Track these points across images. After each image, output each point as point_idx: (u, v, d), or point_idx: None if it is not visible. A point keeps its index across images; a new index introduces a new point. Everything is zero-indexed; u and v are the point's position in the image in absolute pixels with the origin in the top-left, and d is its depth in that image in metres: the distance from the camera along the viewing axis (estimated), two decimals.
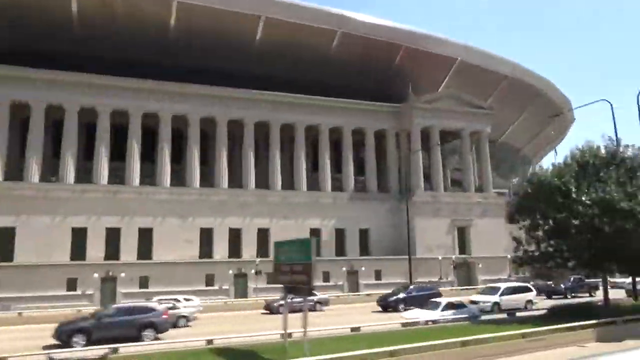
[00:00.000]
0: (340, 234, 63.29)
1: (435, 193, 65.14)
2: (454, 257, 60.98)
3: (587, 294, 49.97)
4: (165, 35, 59.85)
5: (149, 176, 57.89)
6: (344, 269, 59.05)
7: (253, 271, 54.13)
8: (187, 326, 35.27)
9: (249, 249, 58.68)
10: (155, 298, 39.69)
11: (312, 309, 42.56)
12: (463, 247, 65.61)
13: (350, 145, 66.55)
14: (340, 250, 62.89)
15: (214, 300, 51.34)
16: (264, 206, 60.06)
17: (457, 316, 29.90)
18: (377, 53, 70.42)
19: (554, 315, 27.07)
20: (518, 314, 31.61)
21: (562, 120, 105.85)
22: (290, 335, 21.37)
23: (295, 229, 60.71)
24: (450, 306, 31.43)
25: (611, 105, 32.10)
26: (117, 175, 56.70)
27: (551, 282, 51.49)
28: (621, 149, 28.95)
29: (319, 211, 62.38)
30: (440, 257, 61.44)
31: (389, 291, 46.49)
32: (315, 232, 61.92)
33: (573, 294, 49.49)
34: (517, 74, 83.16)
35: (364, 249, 64.15)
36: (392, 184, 67.94)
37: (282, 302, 31.45)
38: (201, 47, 61.58)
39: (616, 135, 30.46)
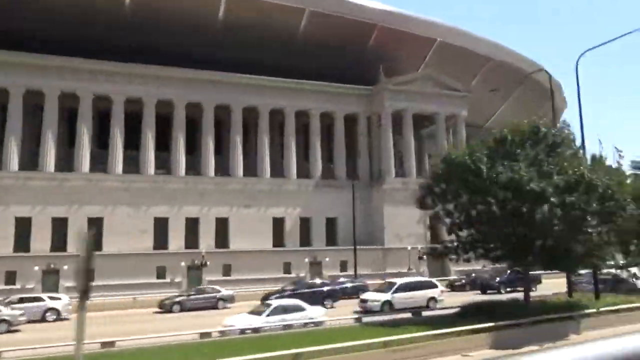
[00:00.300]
0: (305, 224, 60.21)
1: (406, 179, 61.77)
2: (419, 247, 57.77)
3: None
4: (123, 15, 56.33)
5: (101, 162, 54.81)
6: (307, 259, 56.07)
7: (192, 263, 51.42)
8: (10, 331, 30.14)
9: (207, 240, 55.71)
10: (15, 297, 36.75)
11: (214, 306, 39.34)
12: (436, 236, 62.32)
13: (318, 129, 63.23)
14: (305, 240, 59.87)
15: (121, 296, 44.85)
16: (224, 194, 56.96)
17: (290, 322, 24.41)
18: (350, 33, 66.80)
19: (463, 316, 23.66)
20: (425, 313, 27.83)
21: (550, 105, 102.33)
22: (112, 344, 17.89)
23: (257, 218, 57.91)
24: (281, 310, 25.51)
25: (549, 74, 28.95)
26: (66, 162, 53.64)
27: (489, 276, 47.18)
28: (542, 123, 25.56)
29: (283, 199, 59.24)
30: (409, 247, 58.33)
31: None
32: (278, 222, 58.99)
33: (509, 289, 41.98)
34: (501, 56, 79.48)
35: (331, 239, 61.09)
36: (362, 171, 64.70)
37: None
38: (159, 26, 58.05)
39: (553, 107, 27.20)
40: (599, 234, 23.61)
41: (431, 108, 65.85)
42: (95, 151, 55.35)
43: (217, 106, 58.95)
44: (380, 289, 35.61)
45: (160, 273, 51.47)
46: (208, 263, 52.32)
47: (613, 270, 39.28)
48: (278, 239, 58.68)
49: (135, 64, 55.53)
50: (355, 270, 52.75)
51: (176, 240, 54.80)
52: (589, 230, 23.07)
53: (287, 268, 55.30)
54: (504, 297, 32.88)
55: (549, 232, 22.53)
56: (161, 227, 54.67)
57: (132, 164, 55.80)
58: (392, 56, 70.79)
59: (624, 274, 40.54)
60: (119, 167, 54.48)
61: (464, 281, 49.53)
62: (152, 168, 55.71)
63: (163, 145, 58.09)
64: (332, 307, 35.92)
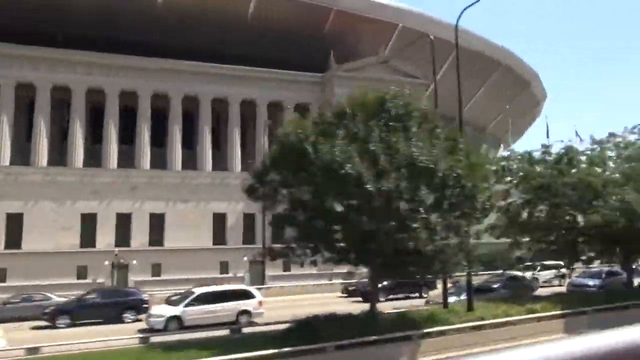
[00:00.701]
0: (249, 220, 56.22)
1: None
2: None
3: (417, 294, 36.55)
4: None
5: (23, 155, 51.03)
6: (246, 258, 52.08)
7: (106, 262, 47.53)
8: None
9: (139, 237, 51.84)
10: None
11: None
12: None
13: (266, 119, 59.30)
14: (250, 237, 55.87)
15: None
16: (160, 189, 53.06)
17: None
18: (303, 18, 63.13)
19: (286, 335, 19.31)
20: (246, 330, 23.03)
21: (530, 96, 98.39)
22: None
23: (196, 213, 54.02)
24: None
25: (431, 40, 25.31)
26: None
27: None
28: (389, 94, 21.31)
29: (225, 194, 55.26)
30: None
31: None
32: (219, 218, 55.06)
33: (392, 296, 35.20)
34: (471, 43, 75.46)
35: (280, 236, 56.96)
36: None
37: None
38: (93, 12, 54.36)
39: (434, 73, 23.31)
40: (443, 233, 19.13)
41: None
42: (20, 143, 51.63)
43: (154, 95, 55.15)
44: (174, 301, 29.31)
45: (82, 273, 47.60)
46: (135, 262, 48.47)
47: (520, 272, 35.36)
48: (219, 236, 54.80)
49: (66, 49, 51.96)
50: (263, 272, 48.31)
51: (105, 237, 50.93)
52: (427, 226, 18.31)
53: (224, 267, 51.40)
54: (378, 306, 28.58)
55: (377, 231, 18.33)
56: (89, 223, 50.86)
57: (58, 156, 52.09)
58: (352, 42, 67.03)
59: (527, 273, 36.28)
60: (43, 159, 50.69)
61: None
62: (79, 161, 51.90)
63: (96, 136, 54.47)
64: (137, 320, 29.42)
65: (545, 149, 33.31)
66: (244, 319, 27.34)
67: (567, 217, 25.71)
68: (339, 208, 17.58)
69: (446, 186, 18.70)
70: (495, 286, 30.44)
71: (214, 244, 53.73)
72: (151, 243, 51.88)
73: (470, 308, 22.61)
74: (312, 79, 61.36)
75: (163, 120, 56.26)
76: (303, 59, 63.22)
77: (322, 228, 19.10)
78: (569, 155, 28.48)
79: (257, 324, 25.88)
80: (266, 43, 61.51)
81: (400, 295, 35.57)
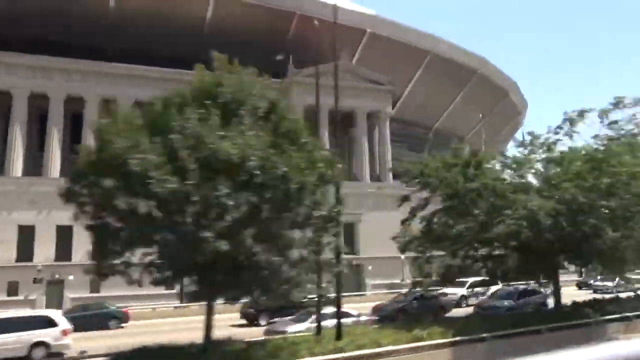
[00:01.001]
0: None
1: None
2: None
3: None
4: None
5: None
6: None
7: (52, 277, 44.50)
8: None
9: (81, 250, 48.76)
10: None
11: None
12: (351, 246, 55.61)
13: None
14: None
15: None
16: None
17: None
18: (265, 23, 60.86)
19: None
20: None
21: (510, 105, 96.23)
22: None
23: None
24: None
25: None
26: None
27: None
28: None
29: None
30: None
31: None
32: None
33: (277, 319, 28.74)
34: (442, 50, 73.45)
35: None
36: None
37: None
38: (34, 13, 51.88)
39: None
40: (262, 245, 15.71)
41: (349, 103, 59.30)
42: None
43: (102, 99, 52.49)
44: None
45: (12, 289, 44.58)
46: (71, 277, 45.49)
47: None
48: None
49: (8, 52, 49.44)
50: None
51: (44, 251, 47.91)
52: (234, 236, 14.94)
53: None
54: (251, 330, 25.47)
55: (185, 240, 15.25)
56: (27, 236, 47.84)
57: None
58: (318, 49, 64.35)
59: (458, 290, 33.45)
60: None
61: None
62: (19, 169, 49.14)
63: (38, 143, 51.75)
64: None
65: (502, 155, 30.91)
66: (39, 352, 22.22)
67: (477, 229, 22.87)
68: (122, 205, 14.62)
69: (266, 187, 15.67)
70: (393, 307, 27.65)
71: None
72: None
73: (338, 336, 19.20)
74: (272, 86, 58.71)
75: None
76: (266, 65, 60.56)
77: (129, 237, 15.91)
78: (477, 158, 25.79)
79: (61, 357, 22.20)
80: (226, 49, 58.64)
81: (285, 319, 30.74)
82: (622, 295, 32.46)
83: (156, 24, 55.93)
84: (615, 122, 24.58)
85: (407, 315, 27.03)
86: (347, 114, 61.64)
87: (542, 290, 28.95)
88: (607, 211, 20.28)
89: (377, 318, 27.17)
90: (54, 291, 45.51)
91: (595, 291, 40.25)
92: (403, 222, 26.19)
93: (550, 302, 26.69)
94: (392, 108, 77.04)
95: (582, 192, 20.64)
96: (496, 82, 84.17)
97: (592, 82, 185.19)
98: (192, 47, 57.29)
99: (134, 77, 53.29)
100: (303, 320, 24.12)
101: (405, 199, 26.09)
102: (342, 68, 60.60)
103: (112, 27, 54.34)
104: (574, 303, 26.09)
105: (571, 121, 24.34)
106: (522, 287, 31.24)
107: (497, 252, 24.38)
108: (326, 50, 64.17)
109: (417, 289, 31.69)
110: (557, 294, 24.72)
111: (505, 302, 28.13)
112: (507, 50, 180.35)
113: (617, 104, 24.50)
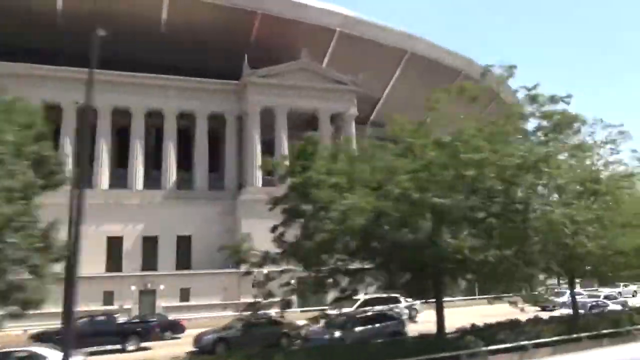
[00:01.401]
0: (150, 243, 50.30)
1: (273, 189, 51.68)
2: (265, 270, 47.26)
3: (120, 346, 28.34)
4: None
5: None
6: (134, 287, 45.91)
7: None
8: None
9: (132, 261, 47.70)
10: None
11: None
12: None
13: (174, 132, 53.73)
14: (151, 263, 49.91)
15: None
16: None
17: None
18: (225, 22, 57.87)
19: None
20: None
21: (505, 106, 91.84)
22: None
23: (88, 236, 48.07)
24: None
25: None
26: None
27: None
28: None
29: (122, 215, 49.48)
30: (265, 271, 47.82)
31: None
32: (115, 242, 49.20)
33: (88, 349, 24.56)
34: (421, 50, 69.67)
35: (186, 262, 51.00)
36: (229, 180, 54.76)
37: None
38: None
39: None
40: None
41: (310, 105, 56.01)
42: None
43: (45, 105, 49.83)
44: None
45: (108, 299, 43.97)
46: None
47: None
48: (115, 262, 48.91)
49: None
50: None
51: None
52: None
53: (108, 299, 45.24)
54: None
55: None
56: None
57: None
58: (282, 49, 61.56)
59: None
60: None
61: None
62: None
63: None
64: None
65: None
66: None
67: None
68: None
69: None
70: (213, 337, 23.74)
71: (108, 270, 47.90)
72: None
73: None
74: (226, 87, 55.75)
75: (55, 134, 50.90)
76: (229, 68, 57.91)
77: None
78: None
79: None
80: (185, 50, 56.32)
81: (94, 348, 26.05)
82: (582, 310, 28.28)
83: (109, 25, 53.35)
84: None
85: (233, 345, 23.00)
86: (311, 116, 58.34)
87: (399, 315, 24.41)
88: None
89: (196, 350, 23.60)
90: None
91: (544, 309, 34.81)
92: (273, 229, 21.32)
93: (410, 329, 22.32)
94: (372, 111, 73.76)
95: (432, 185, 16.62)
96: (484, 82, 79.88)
97: (582, 79, 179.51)
98: (148, 50, 54.87)
99: (76, 80, 50.62)
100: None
101: (275, 202, 21.38)
102: (302, 67, 57.78)
103: (59, 30, 51.96)
104: (460, 330, 21.36)
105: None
106: (375, 311, 25.67)
107: (354, 266, 19.89)
108: (290, 50, 61.76)
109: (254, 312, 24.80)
110: (439, 318, 19.61)
111: (337, 333, 22.40)
112: (506, 49, 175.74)
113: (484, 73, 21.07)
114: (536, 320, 23.66)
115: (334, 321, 23.75)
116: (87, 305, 37.78)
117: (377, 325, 23.94)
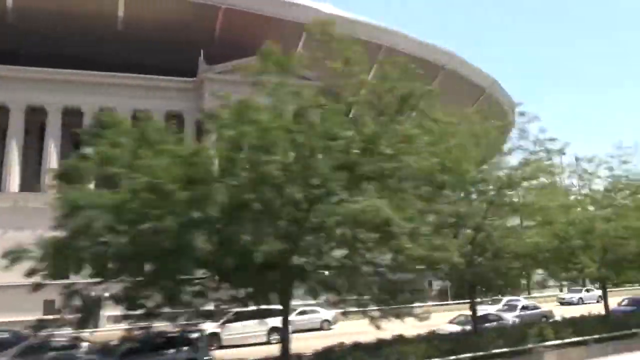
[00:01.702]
0: None
1: None
2: None
3: None
4: None
5: None
6: None
7: None
8: None
9: None
10: None
11: None
12: None
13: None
14: None
15: None
16: None
17: None
18: (187, 17, 55.78)
19: None
20: None
21: (494, 105, 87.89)
22: None
23: None
24: None
25: None
26: None
27: None
28: None
29: None
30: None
31: None
32: None
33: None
34: (397, 44, 66.51)
35: None
36: None
37: None
38: None
39: None
40: None
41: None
42: None
43: None
44: None
45: None
46: None
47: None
48: None
49: None
50: None
51: None
52: None
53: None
54: None
55: None
56: None
57: None
58: (253, 45, 58.91)
59: None
60: None
61: None
62: None
63: None
64: None
65: None
66: None
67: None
68: None
69: None
70: None
71: None
72: None
73: None
74: (184, 85, 53.39)
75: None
76: (194, 65, 55.67)
77: None
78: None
79: None
80: (144, 47, 54.22)
81: None
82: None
83: (63, 23, 51.66)
84: None
85: None
86: None
87: (194, 340, 19.16)
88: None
89: None
90: None
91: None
92: None
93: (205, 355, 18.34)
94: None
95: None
96: (470, 79, 76.33)
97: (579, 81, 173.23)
98: (104, 49, 52.90)
99: (25, 80, 48.87)
100: None
101: None
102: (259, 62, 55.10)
103: (11, 29, 50.37)
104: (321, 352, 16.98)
105: None
106: (167, 335, 19.31)
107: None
108: (258, 47, 59.19)
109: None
110: (284, 334, 15.84)
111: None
112: (507, 51, 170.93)
113: None
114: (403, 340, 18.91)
115: (111, 346, 19.23)
116: None
117: (168, 351, 19.52)
